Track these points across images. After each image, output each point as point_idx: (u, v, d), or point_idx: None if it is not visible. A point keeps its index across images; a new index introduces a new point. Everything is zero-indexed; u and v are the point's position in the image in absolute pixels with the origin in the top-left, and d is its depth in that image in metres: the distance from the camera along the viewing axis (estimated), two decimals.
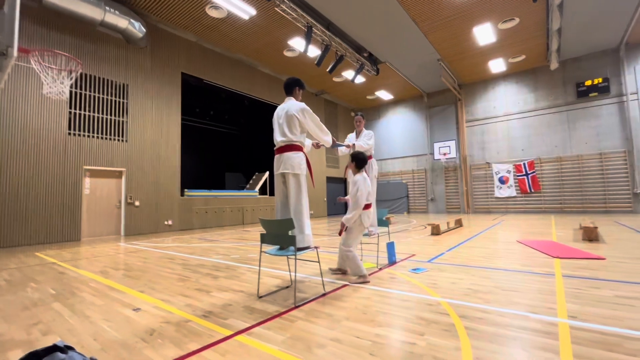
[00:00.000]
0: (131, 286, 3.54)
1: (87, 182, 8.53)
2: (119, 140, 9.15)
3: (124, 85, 9.35)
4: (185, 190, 11.14)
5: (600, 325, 2.16)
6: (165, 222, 10.03)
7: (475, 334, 2.08)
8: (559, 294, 2.86)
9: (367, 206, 3.46)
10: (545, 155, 13.86)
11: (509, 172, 14.61)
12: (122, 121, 9.29)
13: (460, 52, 12.47)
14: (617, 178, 12.33)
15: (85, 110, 8.52)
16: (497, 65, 13.76)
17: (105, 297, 3.13)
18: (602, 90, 12.63)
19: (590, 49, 12.60)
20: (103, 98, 8.90)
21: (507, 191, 14.63)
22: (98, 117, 8.76)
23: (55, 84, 4.34)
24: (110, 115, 9.03)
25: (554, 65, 12.48)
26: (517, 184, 14.41)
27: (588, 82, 12.91)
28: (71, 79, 4.55)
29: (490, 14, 9.86)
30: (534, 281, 3.31)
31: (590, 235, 5.84)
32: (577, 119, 13.24)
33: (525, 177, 14.18)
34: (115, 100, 9.15)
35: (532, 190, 14.03)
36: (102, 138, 8.79)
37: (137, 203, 9.36)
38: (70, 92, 8.24)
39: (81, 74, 8.41)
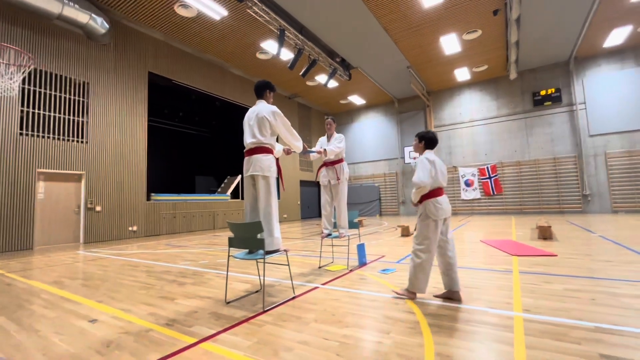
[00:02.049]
0: (88, 296, 3.33)
1: (41, 186, 7.93)
2: (78, 141, 8.60)
3: (84, 83, 8.83)
4: (152, 194, 10.67)
5: (551, 317, 2.31)
6: (130, 228, 9.54)
7: (438, 330, 2.16)
8: (515, 289, 3.04)
9: (438, 191, 2.84)
10: (506, 159, 14.72)
11: (473, 175, 15.35)
12: (82, 121, 8.75)
13: (428, 60, 12.99)
14: (569, 181, 13.35)
15: (40, 109, 7.94)
16: (462, 74, 14.48)
17: (58, 309, 2.92)
18: (555, 99, 13.66)
19: (544, 61, 13.59)
20: (60, 96, 8.34)
21: (472, 193, 15.36)
22: (54, 117, 8.20)
23: (3, 79, 4.01)
24: (69, 114, 8.48)
25: (513, 75, 13.34)
26: (481, 187, 15.17)
27: (543, 92, 13.91)
28: (22, 74, 4.23)
29: (455, 25, 10.37)
30: (494, 278, 3.49)
31: (545, 234, 6.26)
32: (534, 125, 14.20)
33: (488, 180, 14.97)
34: (74, 99, 8.61)
35: (495, 193, 14.83)
36: (58, 139, 8.23)
37: (98, 208, 8.83)
38: (23, 89, 7.65)
39: (35, 70, 7.85)
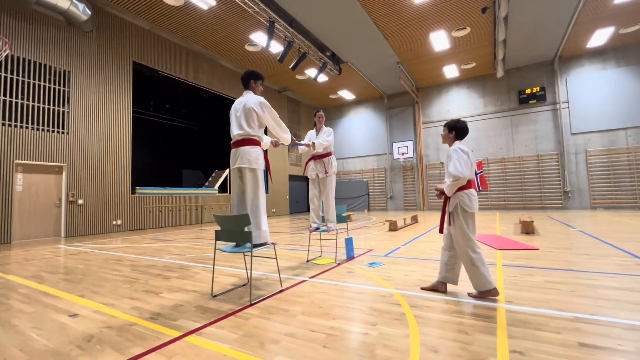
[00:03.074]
0: (69, 291, 3.23)
1: (19, 178, 7.64)
2: (58, 132, 8.30)
3: (64, 72, 8.50)
4: (137, 187, 10.43)
5: (532, 308, 2.38)
6: (114, 222, 9.32)
7: (423, 321, 2.19)
8: (499, 281, 3.11)
9: (470, 183, 2.71)
10: (491, 156, 15.01)
11: None
12: (63, 111, 8.44)
13: (418, 57, 13.05)
14: (551, 178, 13.72)
15: (18, 98, 7.62)
16: (450, 71, 14.61)
17: (37, 304, 2.83)
18: (540, 98, 13.96)
19: (530, 60, 13.85)
20: (39, 85, 8.02)
21: None
22: (34, 106, 7.88)
23: None
24: (48, 104, 8.17)
25: (499, 73, 13.56)
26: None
27: (528, 90, 14.19)
28: None
29: (445, 22, 10.43)
30: None
31: (528, 229, 6.43)
32: (519, 123, 14.50)
33: (474, 176, 15.21)
34: (54, 88, 8.29)
35: (481, 189, 15.11)
36: (38, 129, 7.92)
37: (80, 201, 8.58)
38: (0, 77, 7.32)
39: (13, 57, 7.51)
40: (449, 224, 2.74)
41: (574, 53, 13.21)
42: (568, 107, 13.48)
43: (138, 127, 10.99)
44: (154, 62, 10.62)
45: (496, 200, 14.80)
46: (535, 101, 14.06)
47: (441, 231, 2.85)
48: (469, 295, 2.69)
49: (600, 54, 13.01)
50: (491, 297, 2.59)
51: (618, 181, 12.53)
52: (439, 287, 2.83)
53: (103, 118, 9.26)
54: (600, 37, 11.72)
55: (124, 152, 9.73)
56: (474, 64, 13.95)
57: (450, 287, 2.93)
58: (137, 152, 10.52)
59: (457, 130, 2.88)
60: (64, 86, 8.48)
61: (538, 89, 13.99)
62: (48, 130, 8.11)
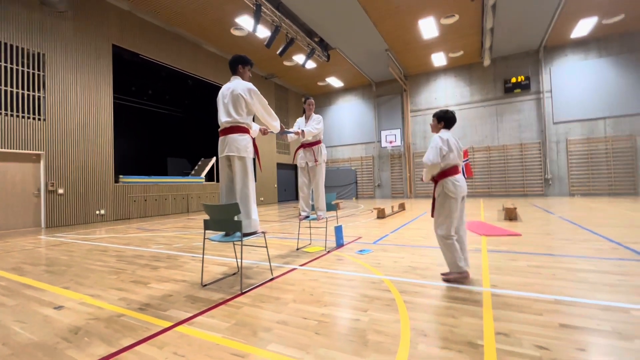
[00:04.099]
0: (53, 283, 3.15)
1: None
2: (34, 118, 7.93)
3: (39, 54, 8.06)
4: (121, 176, 10.15)
5: (515, 291, 2.47)
6: (97, 212, 9.07)
7: (412, 306, 2.24)
8: (484, 266, 3.20)
9: (454, 169, 2.81)
10: (477, 144, 15.27)
11: None
12: (38, 96, 8.04)
13: (406, 44, 12.97)
14: (533, 166, 14.12)
15: None
16: (438, 59, 14.62)
17: (19, 297, 2.74)
18: (524, 87, 14.19)
19: (516, 49, 13.99)
20: (11, 68, 7.58)
21: None
22: (6, 91, 7.47)
23: None
24: (22, 89, 7.75)
25: (486, 62, 13.66)
26: None
27: (513, 79, 14.38)
28: None
29: (434, 9, 10.35)
30: None
31: (511, 215, 6.63)
32: (504, 112, 14.74)
33: (460, 162, 15.49)
34: (28, 72, 7.86)
35: (466, 177, 15.40)
36: (12, 115, 7.54)
37: (60, 191, 8.29)
38: None
39: None
40: (432, 212, 2.89)
41: (558, 43, 13.41)
42: (551, 97, 13.77)
43: (120, 113, 10.59)
44: (135, 45, 10.19)
45: (481, 187, 15.15)
46: (520, 90, 14.29)
47: (432, 215, 2.91)
48: (442, 275, 2.86)
49: (583, 44, 13.25)
50: (459, 277, 2.74)
51: (596, 169, 13.00)
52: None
53: (82, 104, 8.88)
54: (583, 27, 11.91)
55: (105, 139, 9.40)
56: (461, 52, 13.99)
57: (436, 273, 3.00)
58: (119, 140, 10.18)
59: (446, 120, 2.95)
60: (39, 70, 8.05)
61: (523, 78, 14.19)
62: (23, 117, 7.73)
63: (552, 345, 1.66)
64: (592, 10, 10.85)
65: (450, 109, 15.64)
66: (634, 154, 12.38)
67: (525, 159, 14.25)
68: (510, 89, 14.48)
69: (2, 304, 2.56)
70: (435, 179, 2.85)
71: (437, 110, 3.13)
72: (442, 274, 2.86)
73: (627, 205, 8.91)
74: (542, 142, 13.89)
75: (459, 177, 2.80)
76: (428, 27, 11.47)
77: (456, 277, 2.73)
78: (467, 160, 15.30)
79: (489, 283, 2.68)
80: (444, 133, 2.85)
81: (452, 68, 15.79)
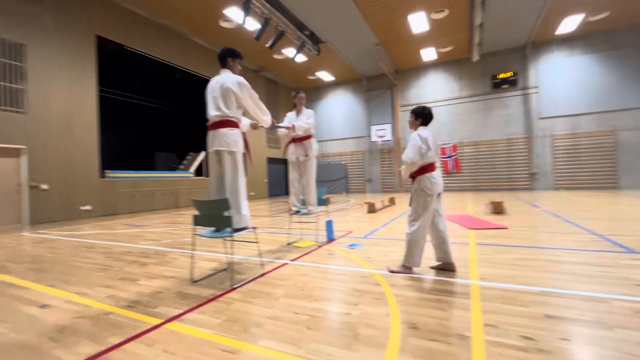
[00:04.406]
0: (37, 281, 3.07)
1: None
2: (14, 111, 7.64)
3: (18, 45, 7.74)
4: (107, 171, 9.92)
5: (503, 283, 2.52)
6: (82, 208, 8.86)
7: (403, 300, 2.27)
8: (472, 260, 3.27)
9: (431, 167, 2.85)
10: (465, 139, 15.47)
11: None
12: (19, 89, 7.75)
13: (396, 38, 12.96)
14: (520, 160, 14.41)
15: None
16: (428, 54, 14.68)
17: (3, 295, 2.67)
18: (512, 83, 14.41)
19: (504, 45, 14.15)
20: None
21: None
22: None
23: None
24: (1, 80, 7.45)
25: (475, 57, 13.78)
26: (442, 165, 15.91)
27: (501, 75, 14.58)
28: None
29: (424, 3, 10.35)
30: (453, 250, 3.67)
31: (498, 209, 6.76)
32: (492, 107, 14.95)
33: (449, 159, 15.71)
34: (7, 63, 7.55)
35: (455, 171, 15.66)
36: None
37: (44, 186, 8.05)
38: None
39: None
40: (409, 203, 2.93)
41: (545, 39, 13.61)
42: (538, 93, 14.01)
43: (105, 107, 10.30)
44: (120, 37, 9.89)
45: (468, 182, 15.39)
46: (508, 86, 14.49)
47: None
48: (390, 269, 2.96)
49: (568, 41, 13.49)
50: (403, 271, 2.87)
51: (579, 163, 13.36)
52: (446, 267, 2.93)
53: (66, 96, 8.60)
54: (569, 24, 12.11)
55: (90, 133, 9.15)
56: (451, 48, 14.07)
57: (425, 267, 3.04)
58: (105, 134, 9.92)
59: (423, 117, 2.99)
60: (19, 61, 7.74)
61: (511, 73, 14.40)
62: (4, 110, 7.44)
63: (538, 335, 1.70)
64: (578, 8, 11.03)
65: (440, 104, 15.86)
66: (616, 149, 12.75)
67: (512, 153, 14.52)
68: (498, 85, 14.68)
69: None
70: (412, 176, 2.91)
71: (426, 105, 3.16)
72: (390, 270, 2.95)
73: (608, 198, 9.20)
74: (529, 137, 14.17)
75: (436, 174, 2.86)
76: (418, 22, 11.48)
77: (405, 271, 2.88)
78: (455, 154, 15.54)
79: (478, 276, 2.74)
80: (422, 131, 2.90)
81: (442, 63, 15.89)
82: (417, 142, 2.80)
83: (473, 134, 15.33)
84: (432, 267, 3.00)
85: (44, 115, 8.15)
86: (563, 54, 13.62)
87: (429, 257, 3.39)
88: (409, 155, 2.79)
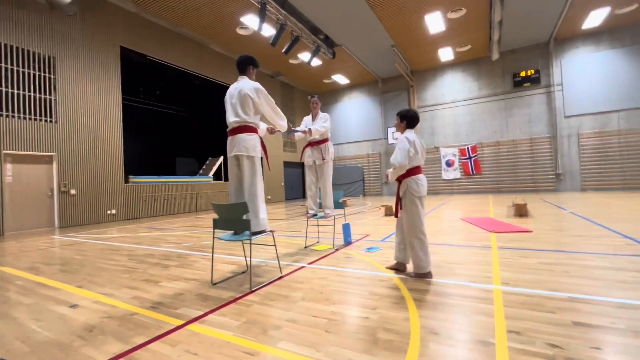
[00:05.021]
0: (67, 282, 3.22)
1: (8, 168, 7.47)
2: (46, 121, 8.08)
3: (49, 57, 8.20)
4: (130, 176, 10.30)
5: (527, 289, 2.43)
6: (108, 212, 9.23)
7: (422, 304, 2.23)
8: (494, 264, 3.17)
9: (417, 170, 2.90)
10: (485, 140, 15.06)
11: (454, 155, 15.67)
12: (50, 99, 8.19)
13: (412, 40, 12.83)
14: (544, 161, 13.87)
15: (2, 86, 7.34)
16: (446, 54, 14.43)
17: (35, 295, 2.81)
18: (534, 80, 13.93)
19: (525, 42, 13.72)
20: (24, 72, 7.73)
21: (453, 173, 15.74)
22: (19, 94, 7.62)
23: None
24: (35, 92, 7.90)
25: (495, 55, 13.42)
26: (461, 167, 15.55)
27: (523, 73, 14.13)
28: None
29: (441, 3, 10.20)
30: (474, 254, 3.62)
31: (521, 211, 6.53)
32: (513, 107, 14.50)
33: (468, 160, 15.33)
34: (39, 75, 8.01)
35: (474, 173, 15.26)
36: (25, 118, 7.69)
37: (72, 191, 8.45)
38: None
39: None
40: (400, 207, 2.96)
41: (569, 35, 13.11)
42: (562, 90, 13.48)
43: (128, 114, 10.73)
44: (142, 47, 10.29)
45: (489, 183, 14.95)
46: (529, 84, 14.03)
47: (396, 215, 2.99)
48: (408, 274, 2.94)
49: (594, 36, 12.93)
50: (426, 279, 2.78)
51: (608, 163, 12.72)
52: (399, 267, 3.05)
53: (92, 105, 9.02)
54: (595, 18, 11.61)
55: (115, 140, 9.54)
56: (469, 47, 13.79)
57: (446, 271, 2.98)
58: (128, 141, 10.33)
59: (408, 119, 3.03)
60: (50, 73, 8.20)
61: (533, 71, 13.93)
62: (36, 119, 7.89)
63: (566, 343, 1.63)
64: (604, 1, 10.57)
65: (459, 104, 15.55)
66: None
67: (535, 153, 14.01)
68: (519, 83, 14.23)
69: (20, 303, 2.63)
70: (399, 179, 2.94)
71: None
72: (408, 273, 2.97)
73: None
74: (553, 136, 13.63)
75: (422, 176, 2.91)
76: (435, 22, 11.32)
77: (425, 276, 2.80)
78: (475, 155, 15.16)
79: (500, 281, 2.65)
80: (409, 134, 2.94)
81: (460, 63, 15.58)
82: (405, 146, 2.82)
83: (493, 134, 14.91)
84: (388, 267, 3.12)
85: (73, 123, 8.57)
86: (588, 49, 13.06)
87: (451, 261, 3.32)
88: (398, 158, 2.81)
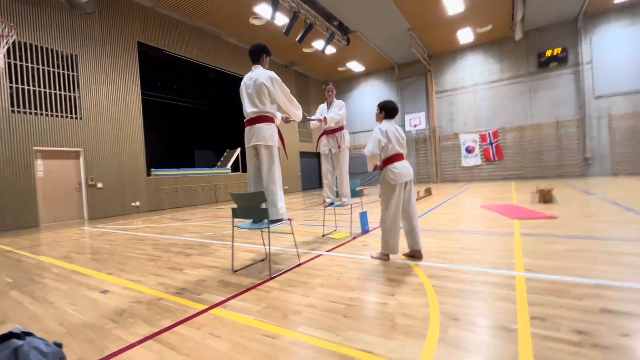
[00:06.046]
0: (98, 269, 3.40)
1: (39, 164, 7.87)
2: (71, 117, 8.42)
3: (71, 56, 8.48)
4: (152, 169, 10.63)
5: (552, 275, 2.36)
6: (132, 204, 9.61)
7: (442, 291, 2.21)
8: (517, 250, 3.09)
9: (394, 158, 2.94)
10: (508, 124, 14.50)
11: (474, 141, 15.20)
12: (74, 96, 8.51)
13: (429, 22, 12.38)
14: (570, 145, 13.24)
15: (29, 85, 7.69)
16: (465, 36, 13.86)
17: (70, 282, 2.99)
18: (561, 60, 13.18)
19: (551, 19, 12.96)
20: (49, 70, 8.04)
21: (473, 160, 15.30)
22: (45, 92, 7.95)
23: None
24: (59, 89, 8.23)
25: (518, 35, 12.78)
26: (482, 153, 15.08)
27: (548, 52, 13.39)
28: (5, 45, 4.03)
29: None
30: (496, 241, 3.54)
31: (546, 197, 6.30)
32: (537, 89, 13.83)
33: (490, 146, 14.85)
34: (63, 73, 8.31)
35: (496, 159, 14.78)
36: (51, 115, 8.04)
37: (99, 185, 8.83)
38: (9, 64, 7.36)
39: (20, 43, 7.50)
40: (379, 195, 3.07)
41: (600, 9, 12.26)
42: (591, 69, 12.71)
43: (148, 109, 10.99)
44: (158, 41, 10.45)
45: (512, 169, 14.46)
46: (556, 64, 13.29)
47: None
48: (371, 256, 3.14)
49: (628, 9, 12.03)
50: (382, 257, 3.04)
51: None
52: (414, 254, 3.06)
53: (113, 101, 9.31)
54: None
55: (136, 134, 9.84)
56: (490, 27, 13.17)
57: (466, 257, 2.93)
58: (149, 134, 10.62)
59: (386, 110, 3.09)
60: (72, 71, 8.49)
61: (559, 50, 13.17)
62: (62, 116, 8.23)
63: (593, 330, 1.58)
64: None
65: (479, 87, 15.00)
66: None
67: (561, 137, 13.38)
68: (545, 63, 13.51)
69: (56, 289, 2.81)
70: (379, 167, 3.02)
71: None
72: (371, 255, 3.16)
73: None
74: (581, 118, 12.94)
75: (399, 164, 2.94)
76: (453, 2, 10.85)
77: (383, 257, 3.03)
78: (497, 141, 14.65)
79: (523, 267, 2.58)
80: (384, 124, 3.01)
81: (480, 44, 14.93)
82: (376, 136, 2.93)
83: (516, 118, 14.32)
84: (404, 254, 3.11)
85: (96, 119, 8.89)
86: (622, 24, 12.19)
87: (470, 247, 3.26)
88: (369, 148, 2.94)
